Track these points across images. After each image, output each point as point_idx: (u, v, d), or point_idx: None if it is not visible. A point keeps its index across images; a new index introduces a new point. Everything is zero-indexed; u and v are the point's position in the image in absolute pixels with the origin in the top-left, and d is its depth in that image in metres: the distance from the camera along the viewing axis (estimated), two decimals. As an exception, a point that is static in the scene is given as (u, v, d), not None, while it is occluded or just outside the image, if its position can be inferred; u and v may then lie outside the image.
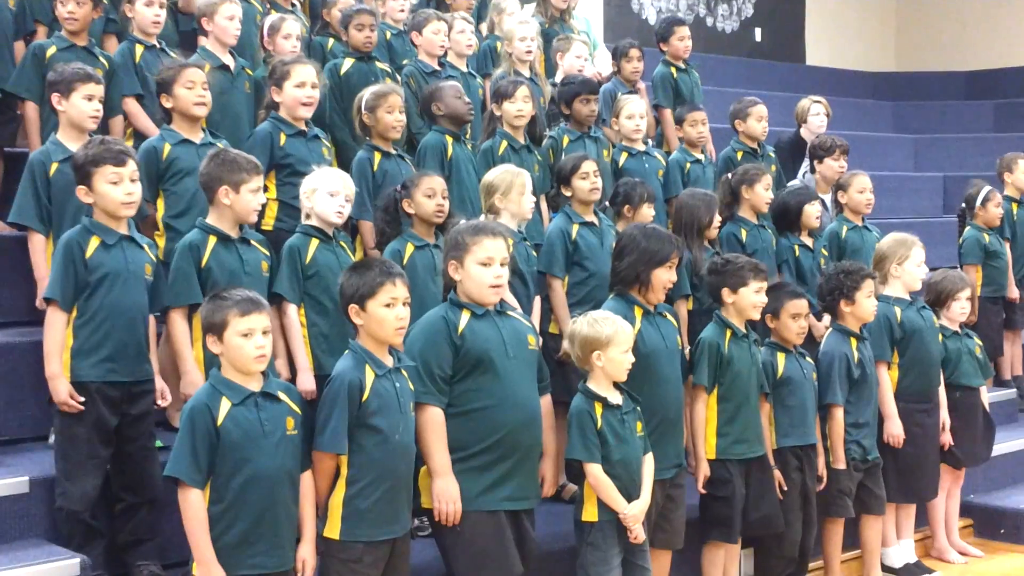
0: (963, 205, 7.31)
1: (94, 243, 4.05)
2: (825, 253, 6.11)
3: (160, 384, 4.22)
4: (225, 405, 3.46)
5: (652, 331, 4.40)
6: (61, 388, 3.98)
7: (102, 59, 5.38)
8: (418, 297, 4.28)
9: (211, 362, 3.89)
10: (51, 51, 5.34)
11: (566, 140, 5.94)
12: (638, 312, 4.39)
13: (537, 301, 5.05)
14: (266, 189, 4.68)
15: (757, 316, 4.78)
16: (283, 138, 5.07)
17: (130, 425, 4.10)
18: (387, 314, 3.68)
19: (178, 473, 3.42)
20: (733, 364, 4.67)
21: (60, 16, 5.41)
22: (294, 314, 4.45)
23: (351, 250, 4.73)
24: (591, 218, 5.25)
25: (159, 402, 4.22)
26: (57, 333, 4.02)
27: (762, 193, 5.91)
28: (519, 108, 5.62)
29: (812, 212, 6.02)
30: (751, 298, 4.71)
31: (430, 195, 4.64)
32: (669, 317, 4.54)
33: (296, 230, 4.58)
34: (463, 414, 3.85)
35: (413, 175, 4.82)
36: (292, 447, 3.56)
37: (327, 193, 4.54)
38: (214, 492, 3.46)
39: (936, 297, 5.80)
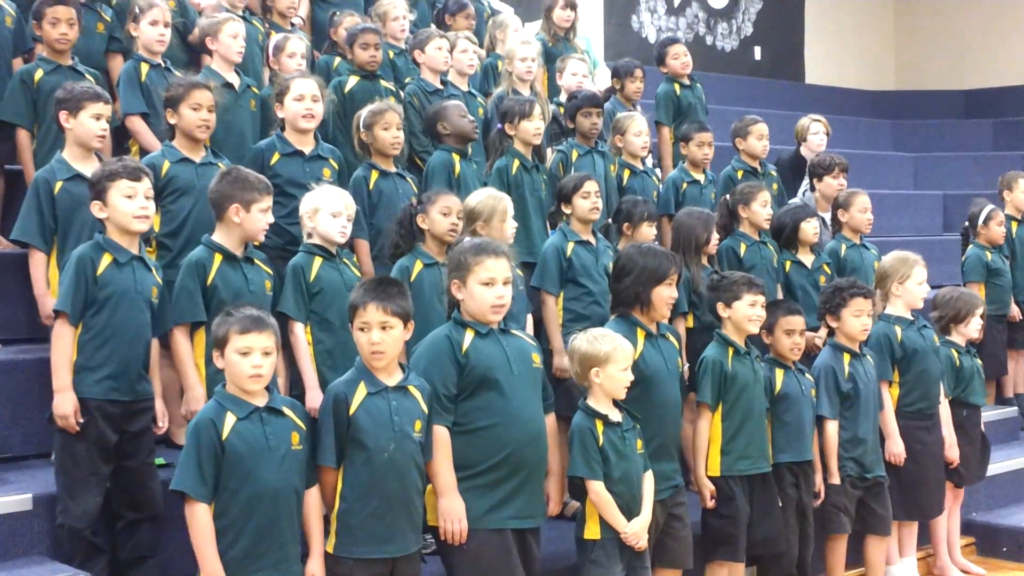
0: (966, 223, 7.34)
1: (106, 260, 4.06)
2: (827, 271, 6.11)
3: (160, 407, 4.21)
4: (230, 420, 3.47)
5: (655, 354, 4.39)
6: (67, 402, 3.98)
7: (88, 78, 5.34)
8: (424, 315, 4.29)
9: (213, 380, 3.90)
10: (39, 75, 5.31)
11: (575, 154, 5.95)
12: (641, 334, 4.38)
13: (529, 318, 5.02)
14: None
15: (755, 330, 4.78)
16: (276, 158, 5.06)
17: (129, 441, 4.10)
18: (360, 336, 3.68)
19: (184, 487, 3.43)
20: (737, 381, 4.68)
21: (50, 38, 5.34)
22: (301, 332, 4.46)
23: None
24: (588, 237, 5.26)
25: (159, 423, 4.21)
26: (65, 346, 4.02)
27: (760, 210, 5.92)
28: (537, 126, 5.63)
29: (808, 229, 6.03)
30: (745, 311, 4.72)
31: (446, 213, 4.64)
32: (672, 339, 4.54)
33: (300, 249, 4.59)
34: (469, 432, 3.84)
35: (431, 191, 4.82)
36: (297, 462, 3.57)
37: (329, 214, 4.55)
38: (219, 506, 3.46)
39: (955, 314, 5.80)
